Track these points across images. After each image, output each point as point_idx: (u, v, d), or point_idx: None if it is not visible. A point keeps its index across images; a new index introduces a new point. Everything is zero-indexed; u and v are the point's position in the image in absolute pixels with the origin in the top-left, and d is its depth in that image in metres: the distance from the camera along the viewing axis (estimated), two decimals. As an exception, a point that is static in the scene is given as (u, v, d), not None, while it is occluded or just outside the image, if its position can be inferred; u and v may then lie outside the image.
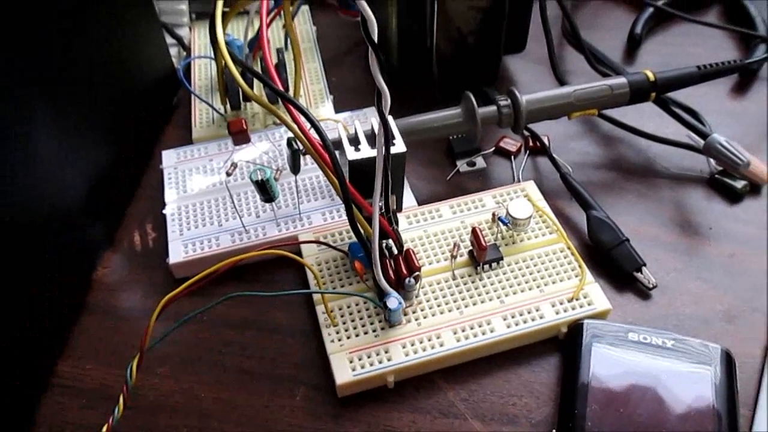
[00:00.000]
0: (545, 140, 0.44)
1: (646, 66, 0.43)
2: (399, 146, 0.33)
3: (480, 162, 0.44)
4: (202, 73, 0.50)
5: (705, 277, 0.38)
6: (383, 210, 0.33)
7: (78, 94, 0.37)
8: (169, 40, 0.51)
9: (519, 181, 0.42)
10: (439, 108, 0.41)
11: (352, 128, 0.35)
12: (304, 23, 0.54)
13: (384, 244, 0.35)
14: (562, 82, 0.49)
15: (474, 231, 0.35)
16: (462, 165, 0.44)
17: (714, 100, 0.48)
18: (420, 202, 0.41)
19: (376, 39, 0.26)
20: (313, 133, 0.32)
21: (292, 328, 0.36)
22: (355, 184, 0.33)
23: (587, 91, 0.41)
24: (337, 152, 0.32)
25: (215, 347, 0.36)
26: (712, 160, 0.43)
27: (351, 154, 0.33)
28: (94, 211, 0.39)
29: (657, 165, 0.44)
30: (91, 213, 0.39)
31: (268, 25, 0.34)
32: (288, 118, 0.32)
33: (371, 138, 0.34)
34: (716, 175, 0.42)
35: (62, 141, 0.35)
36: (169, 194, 0.41)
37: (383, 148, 0.29)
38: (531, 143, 0.45)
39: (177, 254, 0.38)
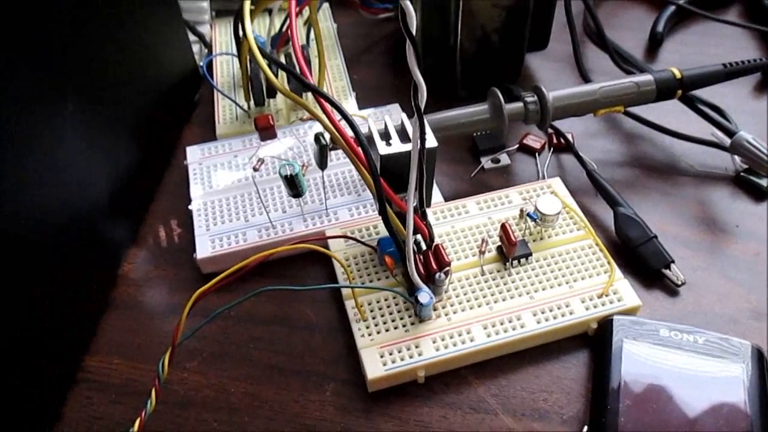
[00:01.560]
0: (569, 137, 0.44)
1: (667, 65, 0.43)
2: (431, 141, 0.33)
3: (504, 159, 0.44)
4: (224, 70, 0.50)
5: (731, 275, 0.38)
6: (416, 204, 0.33)
7: (104, 92, 0.37)
8: (190, 37, 0.51)
9: (544, 178, 0.42)
10: (461, 106, 0.41)
11: (379, 124, 0.34)
12: (325, 21, 0.54)
13: (413, 240, 0.35)
14: (586, 80, 0.49)
15: (503, 227, 0.35)
16: (486, 162, 0.44)
17: (736, 99, 0.48)
18: (445, 199, 0.41)
19: (414, 32, 0.26)
20: (344, 126, 0.32)
21: (320, 324, 0.36)
22: (386, 179, 0.32)
23: (614, 88, 0.41)
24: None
25: (243, 342, 0.36)
26: (737, 158, 0.43)
27: (383, 148, 0.33)
28: (119, 207, 0.39)
29: (681, 163, 0.44)
30: (115, 209, 0.39)
31: (296, 16, 0.34)
32: (319, 112, 0.32)
33: (401, 133, 0.34)
34: (741, 173, 0.42)
35: (88, 139, 0.35)
36: (195, 190, 0.41)
37: (419, 142, 0.29)
38: (555, 140, 0.45)
39: (204, 249, 0.38)
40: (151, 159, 0.43)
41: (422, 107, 0.28)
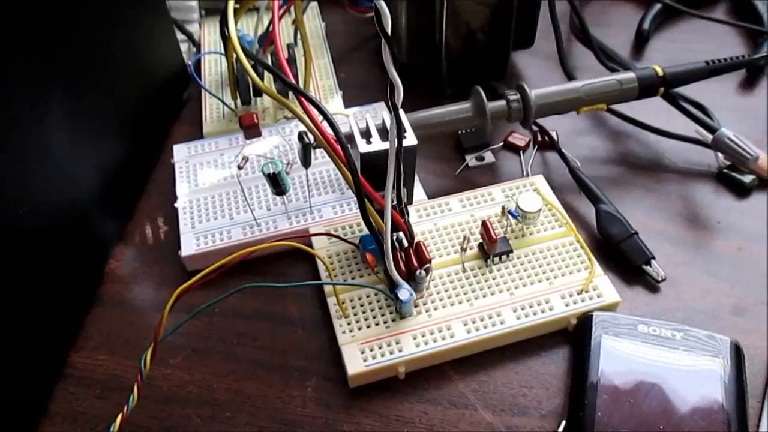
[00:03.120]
0: (554, 135, 0.44)
1: (653, 63, 0.43)
2: (410, 139, 0.33)
3: (489, 156, 0.45)
4: (212, 69, 0.50)
5: (713, 270, 0.38)
6: (395, 202, 0.33)
7: (91, 89, 0.37)
8: (179, 36, 0.51)
9: (528, 176, 0.43)
10: (447, 103, 0.41)
11: (361, 123, 0.35)
12: (313, 19, 0.54)
13: (395, 237, 0.35)
14: (570, 78, 0.49)
15: (484, 224, 0.36)
16: (471, 159, 0.44)
17: (721, 97, 0.48)
18: (429, 197, 0.41)
19: (389, 31, 0.27)
20: (325, 126, 0.32)
21: (303, 320, 0.37)
22: (367, 177, 0.33)
23: (596, 86, 0.41)
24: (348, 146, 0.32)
25: (227, 339, 0.36)
26: (720, 155, 0.43)
27: (363, 147, 0.33)
28: (106, 204, 0.39)
29: (665, 160, 0.44)
30: (103, 206, 0.39)
31: (279, 19, 0.34)
32: (301, 111, 0.32)
33: (382, 132, 0.34)
34: (724, 170, 0.43)
35: (75, 135, 0.36)
36: (181, 188, 0.41)
37: (396, 140, 0.30)
38: (539, 138, 0.45)
39: (189, 247, 0.38)
40: (139, 157, 0.44)
41: (399, 105, 0.29)
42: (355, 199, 0.39)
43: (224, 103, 0.47)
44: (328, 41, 0.53)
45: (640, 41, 0.53)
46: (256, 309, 0.37)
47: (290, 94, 0.43)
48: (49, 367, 0.34)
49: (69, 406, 0.34)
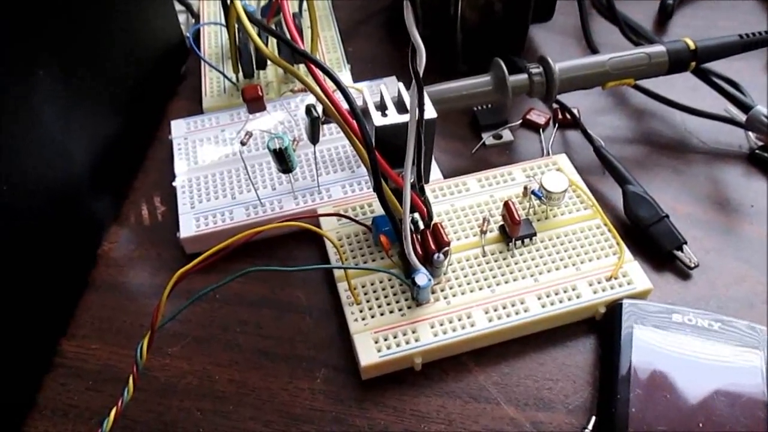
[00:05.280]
0: (576, 112, 0.42)
1: (677, 38, 0.41)
2: (430, 111, 0.31)
3: (507, 135, 0.42)
4: (212, 40, 0.48)
5: (746, 257, 0.36)
6: (414, 179, 0.31)
7: (83, 61, 0.35)
8: (177, 6, 0.49)
9: (549, 155, 0.40)
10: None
11: (374, 96, 0.32)
12: (319, -9, 0.52)
13: (410, 218, 0.33)
14: (594, 52, 0.46)
15: (507, 204, 0.33)
16: (488, 138, 0.42)
17: (749, 74, 0.46)
18: (444, 177, 0.38)
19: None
20: (338, 97, 0.30)
21: (311, 307, 0.34)
22: (382, 153, 0.30)
23: (624, 60, 0.39)
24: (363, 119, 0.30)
25: (230, 326, 0.34)
26: (751, 135, 0.41)
27: (378, 120, 0.31)
28: (100, 182, 0.37)
29: (693, 139, 0.42)
30: (96, 185, 0.37)
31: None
32: (311, 81, 0.30)
33: (398, 104, 0.32)
34: (757, 151, 0.40)
35: (66, 109, 0.34)
36: (179, 165, 0.39)
37: (417, 111, 0.27)
38: (560, 116, 0.42)
39: (188, 228, 0.36)
40: (134, 133, 0.41)
41: (421, 72, 0.26)
42: (365, 177, 0.37)
43: (225, 76, 0.44)
44: (335, 15, 0.50)
45: (663, 17, 0.51)
46: (260, 295, 0.35)
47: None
48: (38, 356, 0.32)
49: (59, 398, 0.31)
